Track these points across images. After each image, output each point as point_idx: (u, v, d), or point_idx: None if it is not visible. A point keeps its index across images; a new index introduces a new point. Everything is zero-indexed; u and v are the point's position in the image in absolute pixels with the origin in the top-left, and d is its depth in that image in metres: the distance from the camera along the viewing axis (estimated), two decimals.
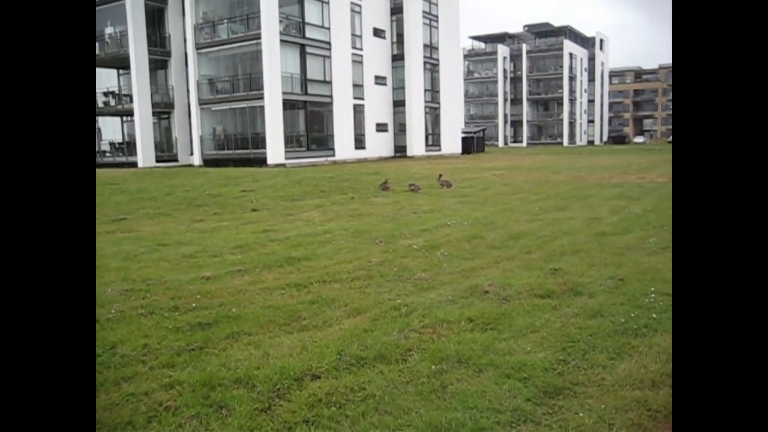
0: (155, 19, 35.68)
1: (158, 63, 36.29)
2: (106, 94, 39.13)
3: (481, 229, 9.44)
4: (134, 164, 34.51)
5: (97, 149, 38.59)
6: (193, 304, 5.54)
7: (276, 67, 30.49)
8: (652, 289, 5.65)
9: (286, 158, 31.22)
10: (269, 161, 30.52)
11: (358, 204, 13.26)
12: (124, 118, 38.72)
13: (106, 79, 41.61)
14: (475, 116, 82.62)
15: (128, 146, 37.29)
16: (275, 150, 30.78)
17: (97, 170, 32.51)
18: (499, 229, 9.42)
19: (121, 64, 36.06)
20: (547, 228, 9.41)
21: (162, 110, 36.57)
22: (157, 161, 35.20)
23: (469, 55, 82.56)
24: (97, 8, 36.42)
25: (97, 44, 36.89)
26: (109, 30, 36.56)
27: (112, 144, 39.80)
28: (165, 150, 36.62)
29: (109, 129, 42.09)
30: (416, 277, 6.40)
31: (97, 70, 40.19)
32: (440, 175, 16.73)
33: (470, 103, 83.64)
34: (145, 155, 34.70)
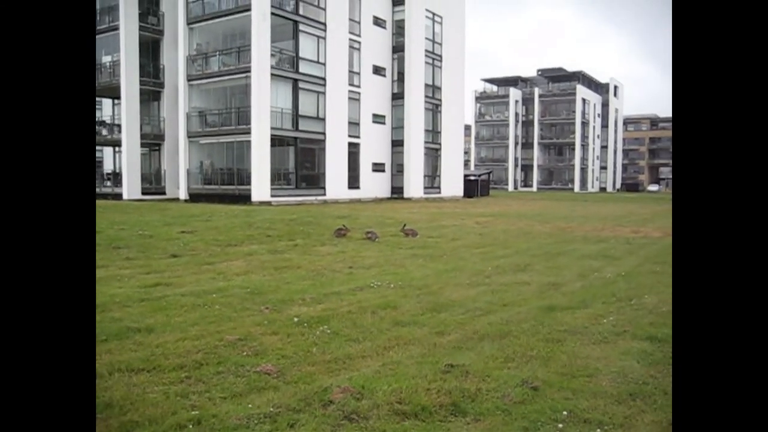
0: (150, 49, 34.98)
1: (151, 94, 35.48)
2: (99, 123, 38.41)
3: (406, 294, 7.76)
4: (119, 196, 33.38)
5: None
6: None
7: (265, 101, 29.37)
8: (566, 412, 3.95)
9: (272, 196, 29.84)
10: (254, 198, 29.17)
11: (296, 253, 11.63)
12: (116, 149, 37.78)
13: (102, 109, 41.10)
14: (486, 159, 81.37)
15: (115, 177, 36.26)
16: (260, 187, 29.43)
17: None
18: (428, 295, 7.72)
19: (116, 93, 35.20)
20: (488, 296, 7.70)
21: (152, 142, 35.61)
22: (144, 193, 34.04)
23: (481, 98, 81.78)
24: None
25: None
26: (106, 59, 35.89)
27: (102, 175, 38.86)
28: (152, 182, 35.48)
29: (102, 159, 41.34)
30: (258, 369, 4.74)
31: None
32: (404, 225, 15.07)
33: (481, 146, 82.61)
34: (130, 187, 33.53)
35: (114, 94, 35.72)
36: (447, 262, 10.64)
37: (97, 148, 42.81)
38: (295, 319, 6.21)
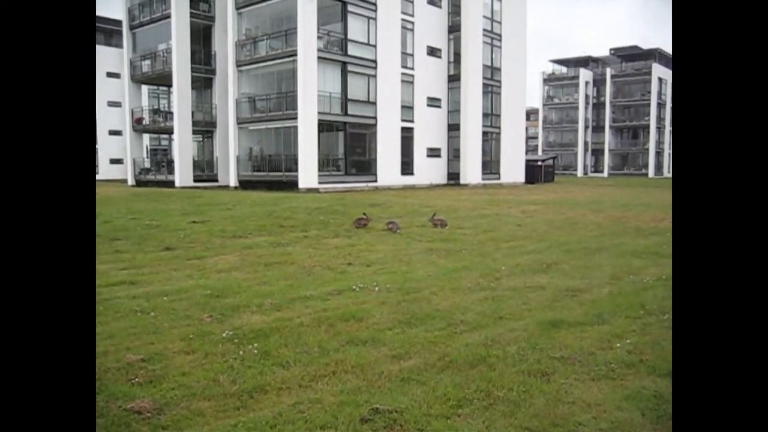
0: (201, 36, 34.80)
1: (203, 81, 35.41)
2: (155, 111, 38.84)
3: (386, 300, 6.55)
4: (172, 183, 33.53)
5: (143, 166, 38.24)
6: None
7: (312, 85, 28.51)
8: None
9: (320, 182, 29.02)
10: (300, 185, 28.42)
11: (300, 246, 10.61)
12: (172, 136, 38.07)
13: (155, 96, 41.60)
14: (554, 143, 78.04)
15: (169, 165, 36.47)
16: (307, 173, 28.66)
17: (124, 188, 31.58)
18: (412, 302, 6.49)
19: (169, 81, 35.32)
20: (484, 305, 6.39)
21: (205, 129, 35.58)
22: (197, 181, 34.03)
23: (549, 80, 78.28)
24: (148, 26, 36.21)
25: (147, 62, 36.60)
26: (161, 47, 36.08)
27: (158, 162, 39.33)
28: (205, 170, 35.48)
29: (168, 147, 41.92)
30: (130, 407, 3.71)
31: (148, 87, 40.19)
32: (434, 214, 13.79)
33: (549, 130, 79.27)
34: (182, 174, 33.58)
35: (167, 82, 35.87)
36: (461, 259, 9.33)
37: (162, 136, 43.63)
38: (228, 333, 5.15)
